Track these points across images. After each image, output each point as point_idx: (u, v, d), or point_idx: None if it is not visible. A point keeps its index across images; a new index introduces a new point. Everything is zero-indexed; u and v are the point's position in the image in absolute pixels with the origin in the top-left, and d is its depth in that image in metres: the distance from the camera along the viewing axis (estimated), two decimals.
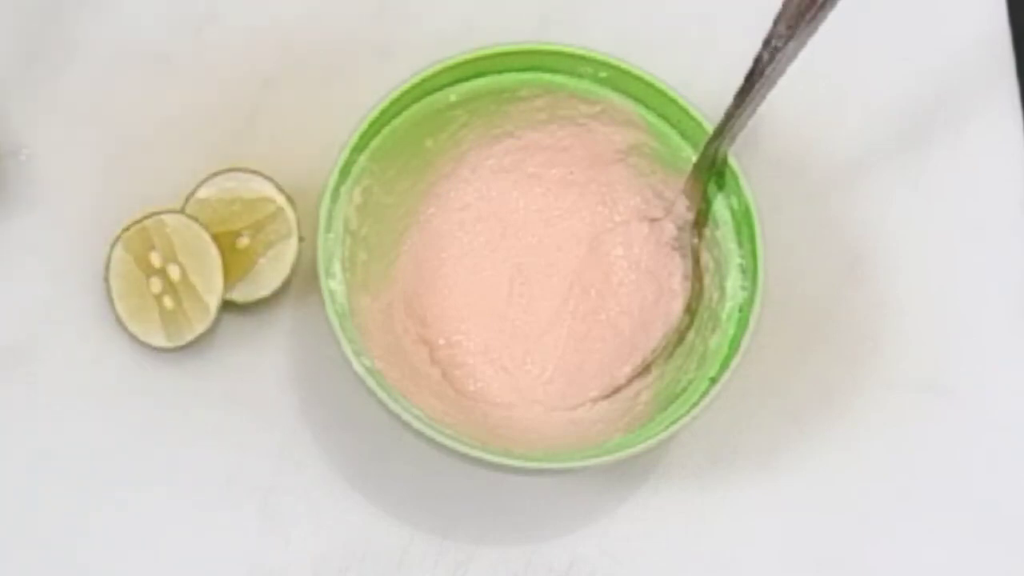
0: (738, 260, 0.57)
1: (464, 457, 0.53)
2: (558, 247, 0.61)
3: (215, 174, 0.61)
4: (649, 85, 0.57)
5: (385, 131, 0.57)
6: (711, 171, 0.57)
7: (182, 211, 0.60)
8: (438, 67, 0.57)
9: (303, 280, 0.61)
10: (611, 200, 0.61)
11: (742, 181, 0.56)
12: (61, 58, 0.63)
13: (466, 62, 0.57)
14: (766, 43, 0.51)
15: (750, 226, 0.56)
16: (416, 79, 0.56)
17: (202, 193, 0.60)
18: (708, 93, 0.56)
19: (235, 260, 0.60)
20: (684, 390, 0.55)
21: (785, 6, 0.50)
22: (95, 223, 0.61)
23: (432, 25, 0.65)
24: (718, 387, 0.54)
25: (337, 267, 0.55)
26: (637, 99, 0.58)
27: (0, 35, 0.64)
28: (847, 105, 0.66)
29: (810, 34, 0.50)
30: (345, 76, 0.64)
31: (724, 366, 0.54)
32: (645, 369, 0.59)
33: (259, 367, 0.60)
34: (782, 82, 0.53)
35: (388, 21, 0.66)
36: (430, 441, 0.53)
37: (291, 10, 0.65)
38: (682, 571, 0.59)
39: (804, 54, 0.51)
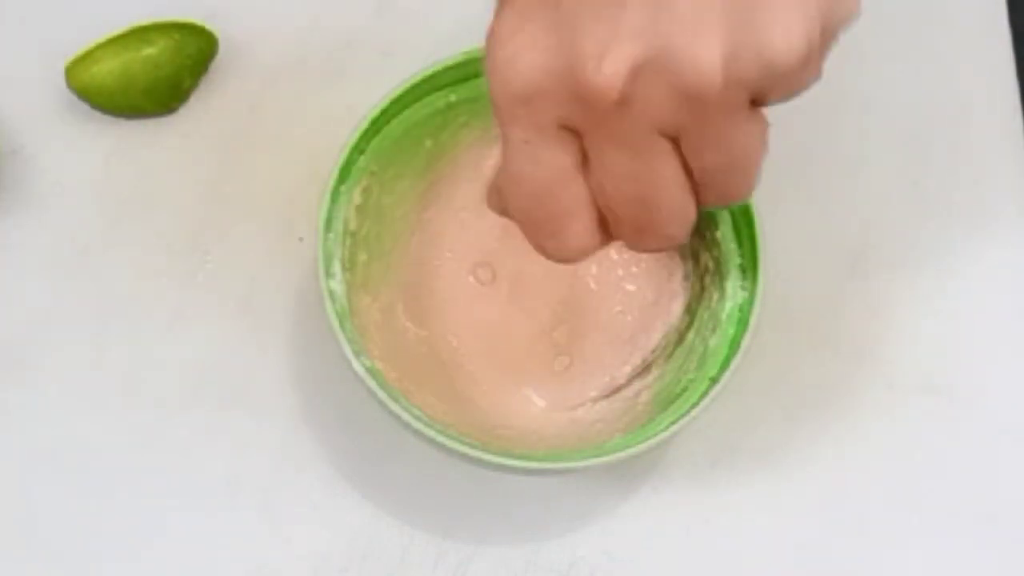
0: (738, 260, 0.56)
1: (464, 457, 0.53)
2: None
3: None
4: None
5: (385, 131, 0.57)
6: None
7: None
8: (438, 67, 0.57)
9: (303, 280, 0.61)
10: None
11: None
12: (61, 58, 0.63)
13: (466, 62, 0.57)
14: None
15: (750, 226, 0.56)
16: (416, 79, 0.56)
17: None
18: None
19: None
20: (684, 390, 0.55)
21: None
22: (94, 223, 0.61)
23: (432, 25, 0.65)
24: (718, 387, 0.53)
25: (337, 267, 0.55)
26: None
27: (0, 34, 0.64)
28: (847, 105, 0.66)
29: None
30: (345, 76, 0.64)
31: (724, 366, 0.54)
32: (645, 369, 0.59)
33: (259, 367, 0.60)
34: None
35: (388, 21, 0.66)
36: (430, 441, 0.53)
37: (291, 10, 0.65)
38: (682, 571, 0.59)
39: None
